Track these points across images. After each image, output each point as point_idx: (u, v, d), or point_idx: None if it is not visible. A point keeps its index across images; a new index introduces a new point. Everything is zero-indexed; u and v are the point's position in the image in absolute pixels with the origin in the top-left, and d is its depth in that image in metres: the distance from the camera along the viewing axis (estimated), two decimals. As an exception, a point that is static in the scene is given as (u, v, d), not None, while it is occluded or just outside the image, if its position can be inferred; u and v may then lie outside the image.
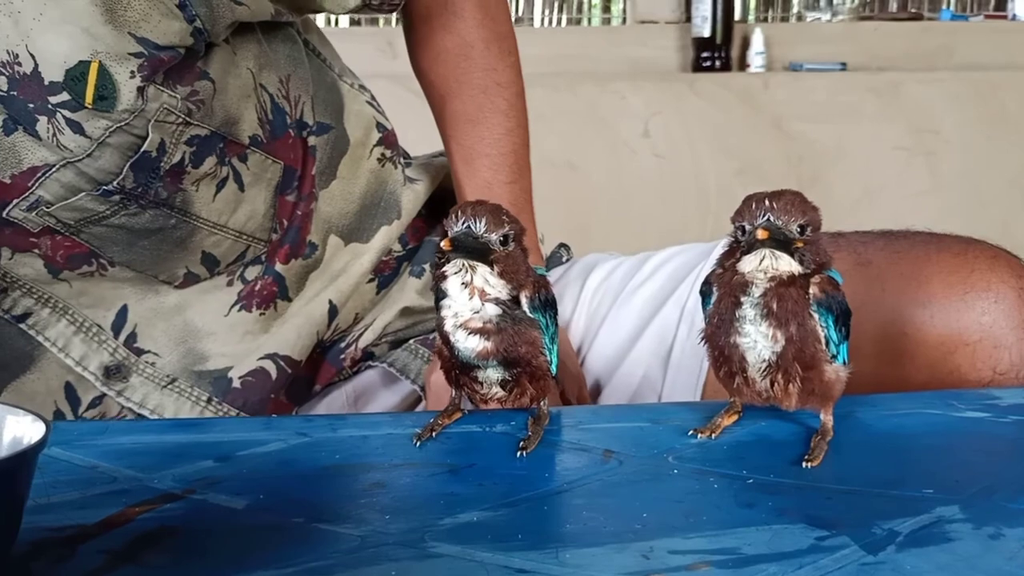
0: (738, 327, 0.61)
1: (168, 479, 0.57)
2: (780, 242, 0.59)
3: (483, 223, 0.60)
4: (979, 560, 0.48)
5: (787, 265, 0.60)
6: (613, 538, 0.50)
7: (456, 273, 0.61)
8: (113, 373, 0.85)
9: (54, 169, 0.75)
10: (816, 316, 0.60)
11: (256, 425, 0.66)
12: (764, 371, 0.61)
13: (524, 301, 0.62)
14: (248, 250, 0.86)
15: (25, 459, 0.45)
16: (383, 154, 0.94)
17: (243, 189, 0.84)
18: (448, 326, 0.62)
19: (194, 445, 0.63)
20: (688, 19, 2.79)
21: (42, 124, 0.73)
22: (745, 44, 2.81)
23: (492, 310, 0.61)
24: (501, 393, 0.64)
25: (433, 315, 0.72)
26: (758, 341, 0.60)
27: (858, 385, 0.65)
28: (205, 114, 0.79)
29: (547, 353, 0.64)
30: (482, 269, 0.61)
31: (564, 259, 1.03)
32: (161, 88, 0.76)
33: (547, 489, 0.56)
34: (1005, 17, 3.08)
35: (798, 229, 0.60)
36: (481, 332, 0.61)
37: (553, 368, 0.65)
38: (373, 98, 0.97)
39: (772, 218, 0.59)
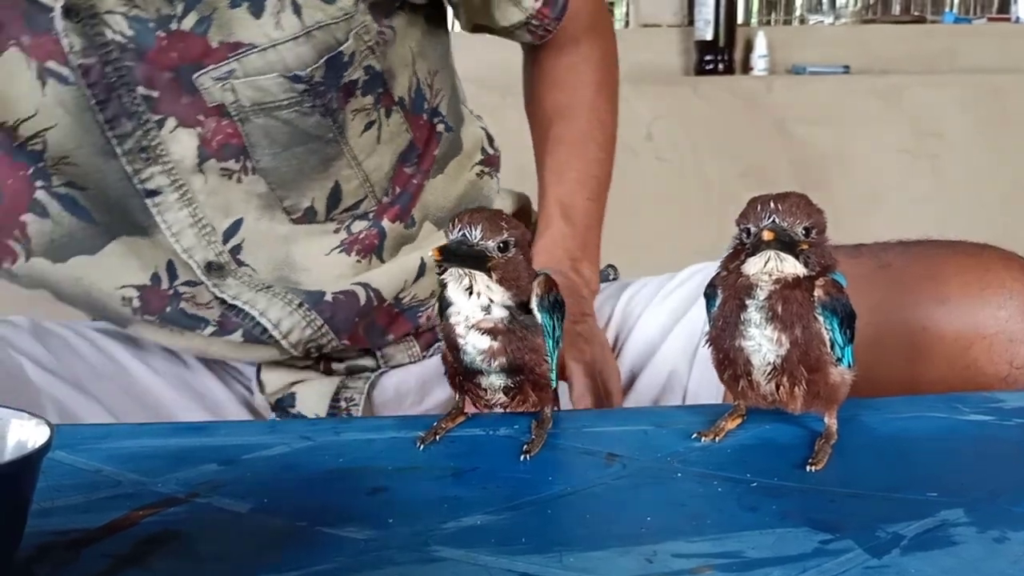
0: (743, 330, 0.61)
1: (172, 483, 0.57)
2: (785, 244, 0.59)
3: (479, 231, 0.60)
4: (983, 564, 0.48)
5: (792, 267, 0.60)
6: (617, 541, 0.50)
7: (456, 281, 0.61)
8: (214, 269, 0.91)
9: (257, 49, 0.84)
10: (821, 319, 0.60)
11: (260, 429, 0.66)
12: (769, 374, 0.61)
13: (534, 300, 0.63)
14: (363, 201, 0.93)
15: (30, 462, 0.45)
16: (483, 170, 1.04)
17: (379, 141, 0.92)
18: (459, 329, 0.62)
19: (198, 449, 0.63)
20: (691, 22, 2.79)
21: (271, 2, 0.83)
22: (748, 47, 2.81)
23: (500, 312, 0.62)
24: (504, 399, 0.64)
25: None
26: (763, 344, 0.60)
27: (880, 380, 0.65)
28: (382, 54, 0.90)
29: (549, 361, 0.64)
30: (480, 276, 0.61)
31: (611, 277, 1.11)
32: (367, 12, 0.87)
33: (551, 493, 0.56)
34: (1008, 19, 3.08)
35: (803, 231, 0.60)
36: (491, 332, 0.62)
37: (552, 376, 0.65)
38: (486, 126, 1.08)
39: (777, 220, 0.59)
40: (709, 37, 2.74)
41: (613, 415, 0.68)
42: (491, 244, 0.61)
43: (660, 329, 0.99)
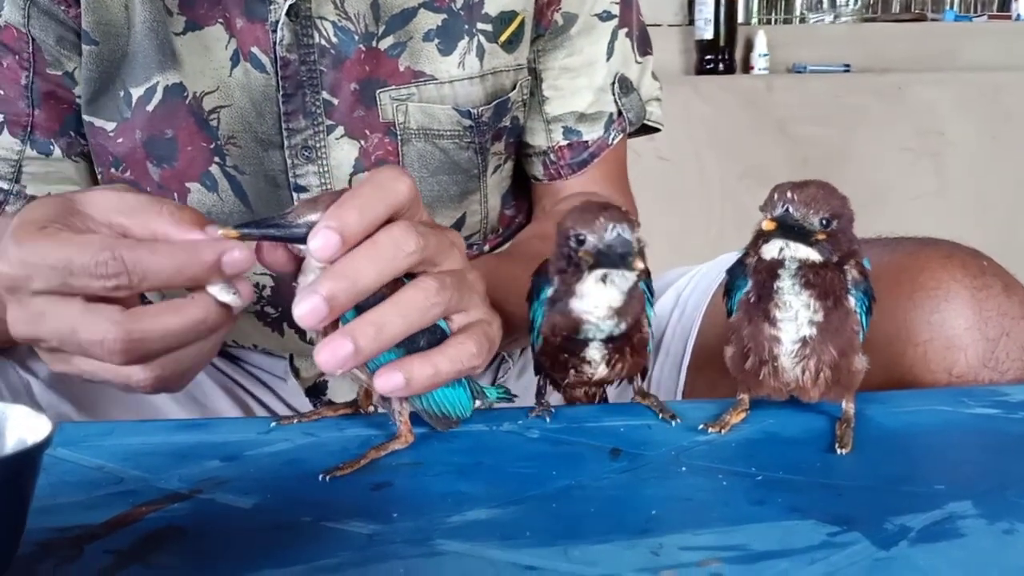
0: (777, 300, 0.60)
1: (175, 479, 0.57)
2: (795, 233, 0.59)
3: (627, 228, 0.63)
4: (992, 556, 0.47)
5: (805, 254, 0.60)
6: (622, 535, 0.49)
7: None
8: None
9: (436, 81, 0.91)
10: (852, 299, 0.60)
11: (262, 425, 0.66)
12: (796, 355, 0.61)
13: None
14: (475, 235, 1.00)
15: (29, 457, 0.45)
16: None
17: (498, 183, 1.00)
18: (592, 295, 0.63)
19: (200, 445, 0.63)
20: (691, 22, 2.79)
21: (462, 43, 0.91)
22: (748, 46, 2.81)
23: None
24: (604, 371, 0.66)
25: None
26: (800, 312, 0.60)
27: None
28: (525, 108, 0.99)
29: (648, 327, 0.66)
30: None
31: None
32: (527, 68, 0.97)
33: (555, 487, 0.56)
34: (1009, 18, 3.08)
35: (821, 222, 0.59)
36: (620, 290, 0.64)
37: (649, 345, 0.67)
38: None
39: (791, 209, 0.59)
40: (709, 36, 2.74)
41: (616, 409, 0.68)
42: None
43: None
